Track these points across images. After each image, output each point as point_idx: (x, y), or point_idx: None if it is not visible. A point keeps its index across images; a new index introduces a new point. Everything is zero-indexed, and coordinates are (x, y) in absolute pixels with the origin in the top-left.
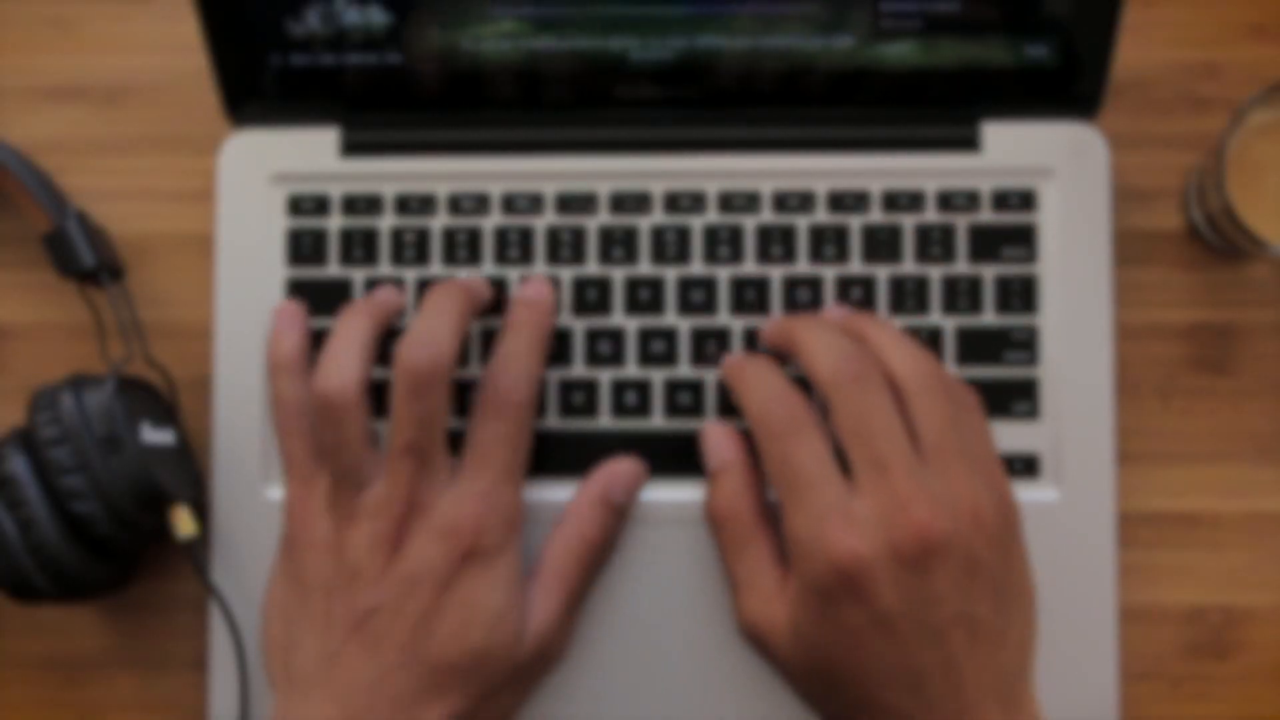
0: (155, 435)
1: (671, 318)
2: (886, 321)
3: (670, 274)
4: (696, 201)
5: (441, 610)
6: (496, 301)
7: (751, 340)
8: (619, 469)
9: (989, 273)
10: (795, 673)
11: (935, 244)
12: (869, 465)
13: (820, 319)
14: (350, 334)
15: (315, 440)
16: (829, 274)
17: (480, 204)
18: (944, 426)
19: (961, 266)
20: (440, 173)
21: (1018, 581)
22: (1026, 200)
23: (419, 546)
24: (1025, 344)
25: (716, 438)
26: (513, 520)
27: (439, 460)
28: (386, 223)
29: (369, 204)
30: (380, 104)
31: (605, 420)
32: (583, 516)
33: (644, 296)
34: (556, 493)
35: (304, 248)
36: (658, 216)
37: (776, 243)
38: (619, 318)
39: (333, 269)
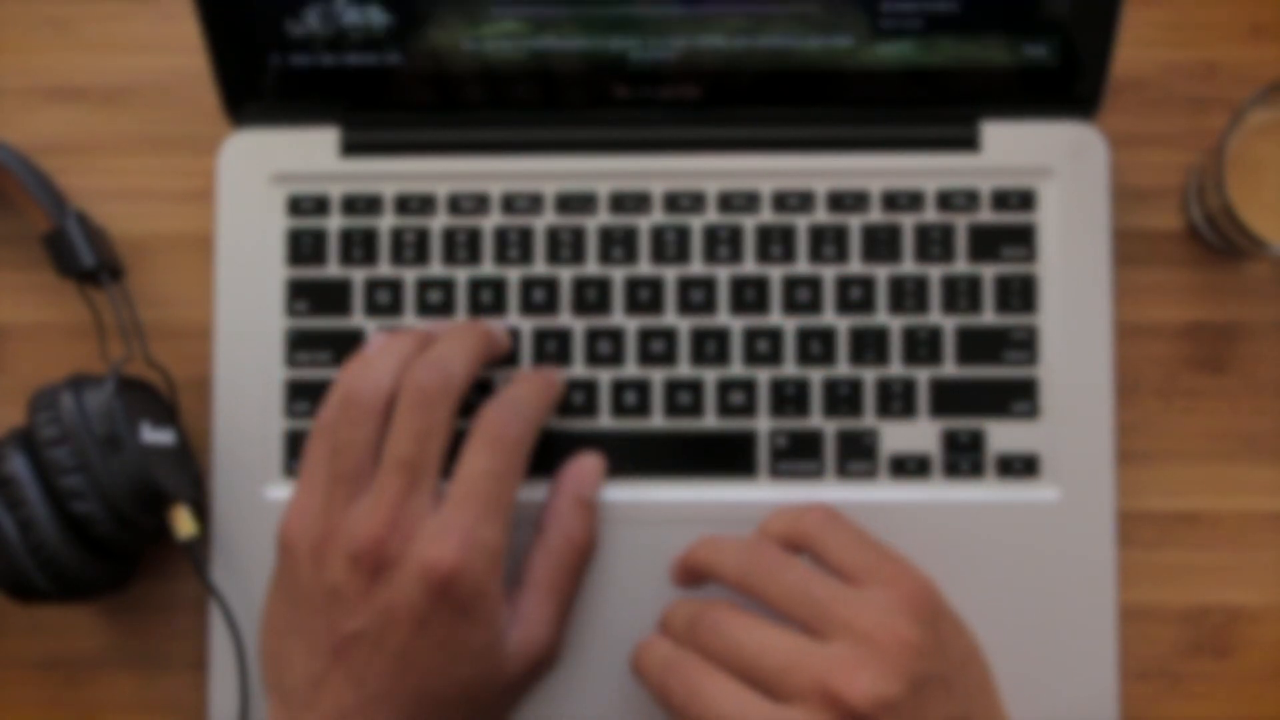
0: (155, 435)
1: (671, 318)
2: (705, 538)
3: (670, 274)
4: (696, 201)
5: (421, 648)
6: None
7: (751, 340)
8: (587, 466)
9: (989, 272)
10: None
11: (935, 244)
12: (773, 678)
13: (709, 541)
14: (402, 345)
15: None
16: (829, 274)
17: (480, 204)
18: (805, 592)
19: (961, 266)
20: (440, 173)
21: (961, 655)
22: (1026, 200)
23: (397, 579)
24: (1025, 344)
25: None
26: (493, 557)
27: (429, 483)
28: (386, 223)
29: (369, 204)
30: (380, 104)
31: (605, 420)
32: (565, 520)
33: (644, 296)
34: None
35: (304, 248)
36: (657, 216)
37: (776, 242)
38: (619, 318)
39: (332, 269)
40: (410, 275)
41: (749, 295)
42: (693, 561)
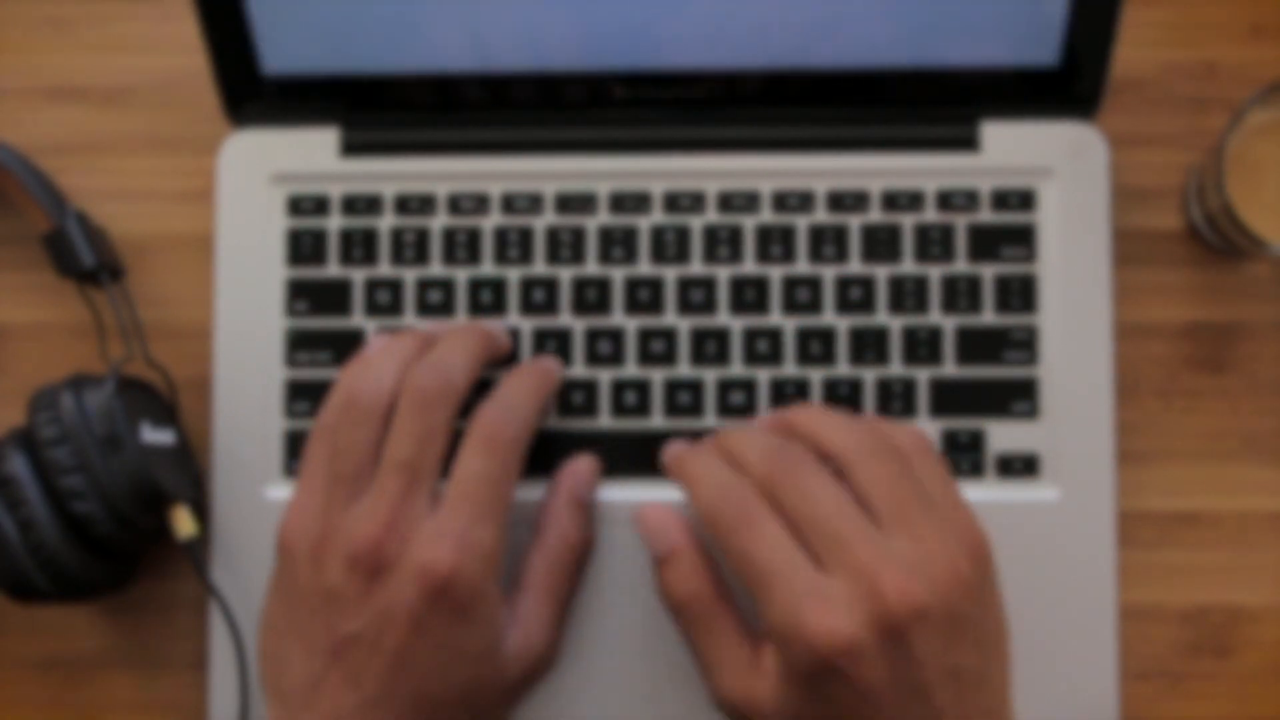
0: (155, 435)
1: (671, 318)
2: (812, 406)
3: (670, 274)
4: (696, 201)
5: (418, 650)
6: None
7: (751, 340)
8: (583, 468)
9: (988, 272)
10: None
11: (935, 244)
12: (828, 546)
13: (736, 433)
14: (403, 346)
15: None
16: (828, 274)
17: (480, 204)
18: (892, 486)
19: (961, 266)
20: (440, 173)
21: (994, 622)
22: (1026, 200)
23: (394, 581)
24: (1025, 344)
25: (657, 522)
26: (490, 559)
27: (428, 485)
28: (386, 223)
29: (369, 204)
30: (380, 104)
31: (605, 420)
32: (561, 521)
33: (644, 296)
34: None
35: (304, 248)
36: (657, 216)
37: (776, 243)
38: (619, 318)
39: (332, 269)
40: (410, 275)
41: (749, 295)
42: (786, 423)
